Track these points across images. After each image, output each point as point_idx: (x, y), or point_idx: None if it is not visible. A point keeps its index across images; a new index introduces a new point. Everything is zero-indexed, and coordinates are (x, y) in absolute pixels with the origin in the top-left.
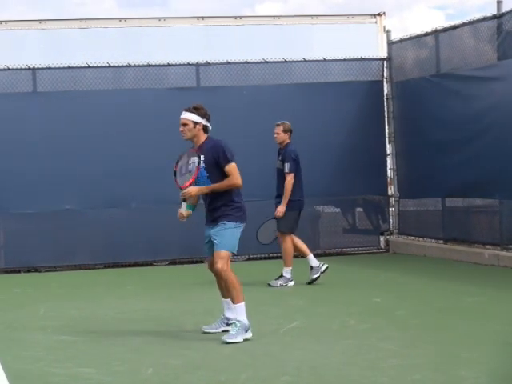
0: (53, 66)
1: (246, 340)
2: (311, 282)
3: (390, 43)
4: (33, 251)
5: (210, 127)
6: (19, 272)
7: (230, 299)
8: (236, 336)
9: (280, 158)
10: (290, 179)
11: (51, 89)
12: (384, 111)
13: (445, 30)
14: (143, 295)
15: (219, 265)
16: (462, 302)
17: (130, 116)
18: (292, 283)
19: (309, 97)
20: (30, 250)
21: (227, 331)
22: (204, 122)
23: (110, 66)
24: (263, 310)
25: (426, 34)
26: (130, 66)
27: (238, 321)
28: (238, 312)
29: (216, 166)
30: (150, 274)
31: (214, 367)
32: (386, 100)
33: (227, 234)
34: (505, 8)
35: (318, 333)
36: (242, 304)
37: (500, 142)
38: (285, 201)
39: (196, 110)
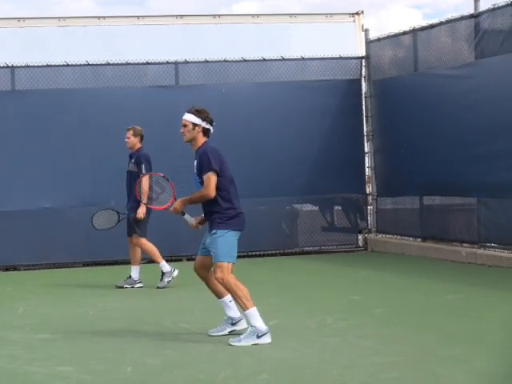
0: (31, 65)
1: (255, 345)
2: (162, 287)
3: (368, 42)
4: (11, 250)
5: (212, 130)
6: None
7: (224, 299)
8: (241, 340)
9: (133, 161)
10: (145, 181)
11: (30, 87)
12: (362, 110)
13: (422, 28)
14: (122, 294)
15: (217, 274)
16: (440, 299)
17: (109, 115)
18: (140, 285)
19: (287, 95)
20: (8, 249)
21: (234, 331)
22: (204, 124)
23: (88, 65)
24: None
25: (404, 33)
26: (108, 64)
27: (252, 326)
28: (250, 318)
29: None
30: (129, 272)
31: (193, 366)
32: (364, 98)
33: (219, 243)
34: (482, 7)
35: (296, 331)
36: (251, 310)
37: (477, 141)
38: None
39: (197, 112)
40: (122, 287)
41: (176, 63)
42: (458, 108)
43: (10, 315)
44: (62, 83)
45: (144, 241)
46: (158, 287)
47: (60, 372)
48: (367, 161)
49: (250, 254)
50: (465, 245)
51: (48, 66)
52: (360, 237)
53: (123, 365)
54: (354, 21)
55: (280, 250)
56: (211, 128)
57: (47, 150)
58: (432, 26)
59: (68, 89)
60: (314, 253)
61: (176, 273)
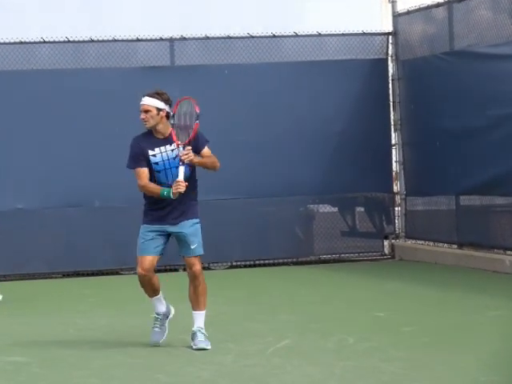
0: (2, 41)
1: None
2: None
3: (396, 15)
4: None
5: (172, 114)
6: None
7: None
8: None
9: None
10: None
11: (0, 67)
12: (389, 94)
13: (459, 0)
14: (108, 309)
15: (198, 266)
16: (480, 316)
17: (93, 100)
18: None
19: (301, 77)
20: None
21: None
22: (167, 108)
23: (69, 42)
24: (248, 326)
25: (438, 5)
26: (92, 41)
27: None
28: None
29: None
30: (115, 284)
31: None
32: (391, 81)
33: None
34: None
35: (311, 353)
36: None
37: None
38: None
39: (159, 95)
40: None
41: (171, 40)
42: (501, 92)
43: None
44: (37, 63)
45: None
46: None
47: None
48: (395, 154)
49: (257, 262)
50: (509, 252)
51: (21, 42)
52: (386, 243)
53: None
54: None
55: (293, 259)
56: (171, 112)
57: (19, 140)
58: None
59: (45, 70)
60: (332, 261)
61: None
